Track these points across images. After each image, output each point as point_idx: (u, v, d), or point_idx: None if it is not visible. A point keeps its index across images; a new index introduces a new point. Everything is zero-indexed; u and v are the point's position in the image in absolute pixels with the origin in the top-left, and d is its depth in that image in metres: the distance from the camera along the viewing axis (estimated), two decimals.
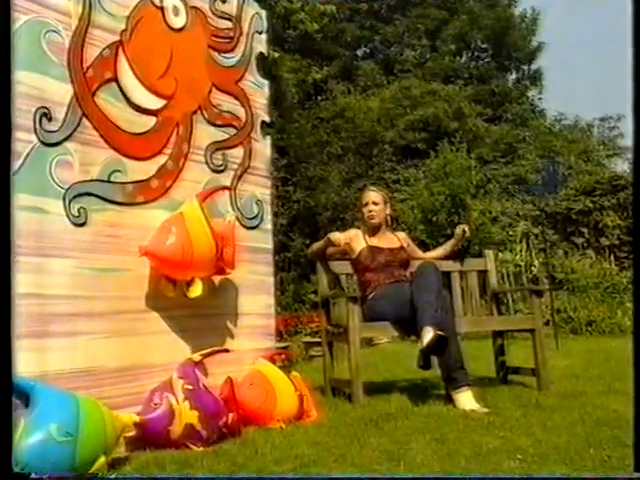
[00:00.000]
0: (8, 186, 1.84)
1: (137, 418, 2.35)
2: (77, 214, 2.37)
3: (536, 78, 18.65)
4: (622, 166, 16.13)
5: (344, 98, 15.51)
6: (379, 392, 3.57)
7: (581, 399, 3.19)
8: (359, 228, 4.05)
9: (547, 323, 7.17)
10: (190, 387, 2.49)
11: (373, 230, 3.87)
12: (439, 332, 3.14)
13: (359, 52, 19.32)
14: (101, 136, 2.49)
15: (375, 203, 3.88)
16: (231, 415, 2.61)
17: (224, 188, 3.08)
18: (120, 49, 2.61)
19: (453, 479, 2.06)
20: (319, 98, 16.46)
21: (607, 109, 20.39)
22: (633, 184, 1.76)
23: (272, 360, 3.10)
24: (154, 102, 2.74)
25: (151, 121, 2.72)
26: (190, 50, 2.96)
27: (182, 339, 2.75)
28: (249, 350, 3.06)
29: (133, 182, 2.61)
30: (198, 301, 2.70)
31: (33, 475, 1.86)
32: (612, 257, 10.70)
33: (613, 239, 10.99)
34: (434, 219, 10.85)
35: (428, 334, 3.14)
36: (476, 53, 19.25)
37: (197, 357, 2.67)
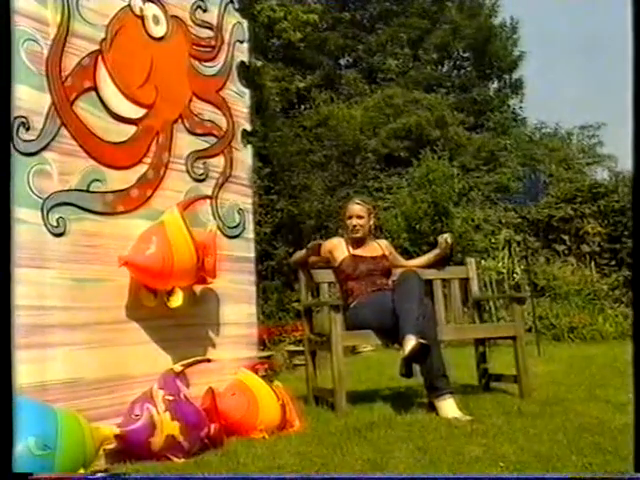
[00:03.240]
0: (8, 197, 1.82)
1: (117, 430, 2.32)
2: (56, 224, 2.35)
3: (517, 87, 18.79)
4: (602, 174, 16.30)
5: (327, 107, 15.52)
6: (362, 401, 3.56)
7: (563, 406, 3.20)
8: (342, 236, 4.05)
9: (529, 330, 7.20)
10: (171, 398, 2.47)
11: (356, 241, 3.87)
12: (421, 340, 3.14)
13: (342, 61, 19.34)
14: (80, 145, 2.47)
15: (360, 217, 3.86)
16: (213, 426, 2.59)
17: (205, 197, 3.07)
18: (100, 58, 2.59)
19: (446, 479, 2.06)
20: (302, 107, 16.46)
21: (587, 118, 20.57)
22: (633, 187, 1.77)
23: (254, 370, 3.08)
24: (134, 111, 2.73)
25: (131, 130, 2.71)
26: (171, 59, 2.95)
27: (163, 349, 2.72)
28: (231, 360, 3.04)
29: (113, 191, 2.59)
30: (179, 311, 2.68)
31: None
32: (593, 264, 10.77)
33: (594, 246, 11.06)
34: (417, 227, 10.88)
35: (410, 342, 3.14)
36: (458, 62, 19.35)
37: (178, 367, 2.65)
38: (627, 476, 1.98)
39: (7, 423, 1.62)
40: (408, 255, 7.61)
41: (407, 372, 3.28)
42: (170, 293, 2.67)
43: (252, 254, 3.33)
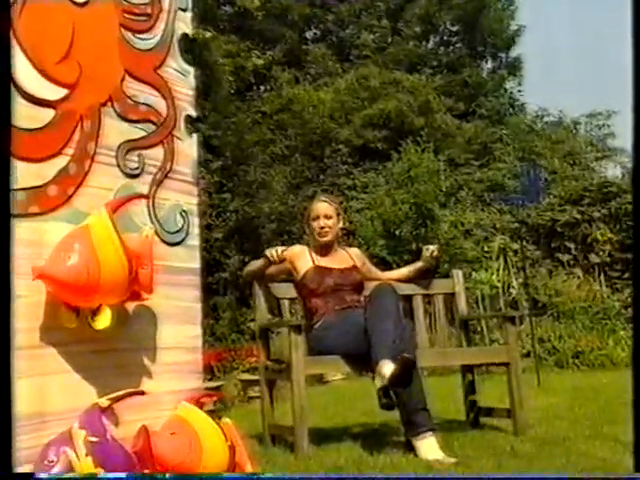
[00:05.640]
0: (8, 207, 1.81)
1: None
2: None
3: (515, 67, 19.06)
4: (613, 170, 16.61)
5: (291, 88, 15.60)
6: (328, 440, 3.57)
7: (564, 445, 3.24)
8: (306, 244, 4.06)
9: (527, 355, 7.29)
10: (95, 439, 2.43)
11: (323, 248, 3.88)
12: (406, 355, 3.12)
13: (308, 34, 19.46)
14: None
15: (327, 217, 3.89)
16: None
17: (140, 196, 3.03)
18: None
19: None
20: (261, 88, 16.52)
21: (595, 104, 20.97)
22: (633, 190, 1.81)
23: (199, 404, 3.06)
24: (52, 92, 2.69)
25: (48, 115, 2.66)
26: (97, 29, 2.91)
27: (86, 380, 2.68)
28: (170, 392, 3.01)
29: (25, 189, 2.54)
30: (107, 333, 2.65)
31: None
32: (602, 277, 10.95)
33: (604, 256, 11.25)
34: (397, 232, 10.96)
35: (387, 367, 3.14)
36: (445, 37, 19.59)
37: (104, 402, 2.61)
38: (627, 476, 2.05)
39: (7, 423, 1.62)
40: (386, 266, 7.67)
41: (388, 403, 3.24)
42: (96, 312, 2.63)
43: (197, 265, 3.31)
